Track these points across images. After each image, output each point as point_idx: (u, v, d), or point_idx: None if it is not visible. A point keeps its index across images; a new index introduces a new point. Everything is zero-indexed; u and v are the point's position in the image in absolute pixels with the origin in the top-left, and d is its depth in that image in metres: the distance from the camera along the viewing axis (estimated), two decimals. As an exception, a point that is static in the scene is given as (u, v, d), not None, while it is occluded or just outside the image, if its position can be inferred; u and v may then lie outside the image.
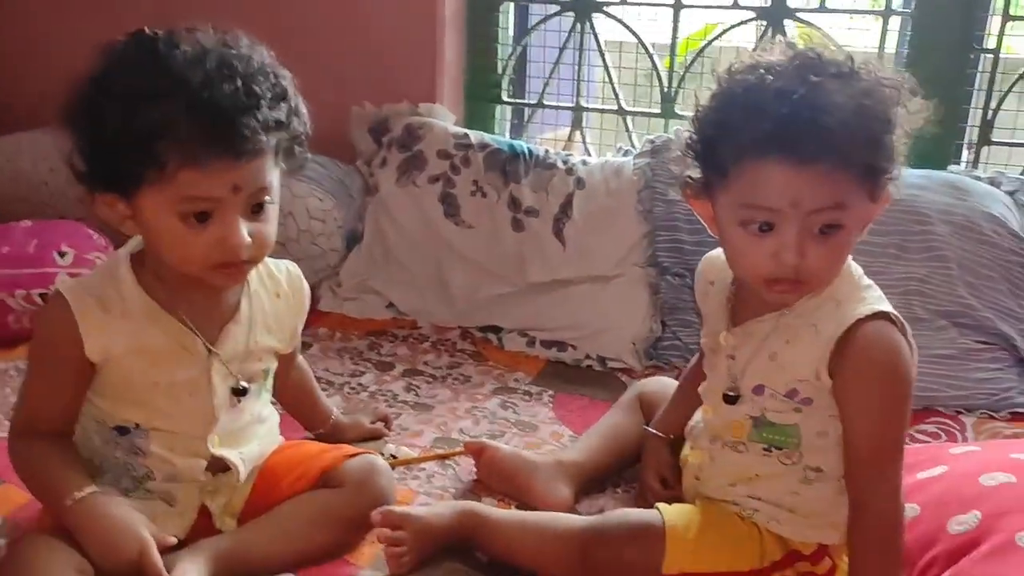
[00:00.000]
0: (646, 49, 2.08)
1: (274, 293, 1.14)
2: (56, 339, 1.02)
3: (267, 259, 1.12)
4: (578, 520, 1.12)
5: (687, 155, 1.02)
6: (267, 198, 1.00)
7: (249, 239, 0.97)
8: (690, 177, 1.03)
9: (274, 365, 1.16)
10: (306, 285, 1.19)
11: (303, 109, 1.03)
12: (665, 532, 1.05)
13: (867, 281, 1.05)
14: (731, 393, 1.08)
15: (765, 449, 1.07)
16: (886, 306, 1.01)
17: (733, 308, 1.11)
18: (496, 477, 1.29)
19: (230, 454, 1.09)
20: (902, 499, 0.99)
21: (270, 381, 1.16)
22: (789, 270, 0.96)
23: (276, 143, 0.99)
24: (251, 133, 0.93)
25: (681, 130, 1.04)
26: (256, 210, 0.99)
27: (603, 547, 1.06)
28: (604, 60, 2.13)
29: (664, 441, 1.28)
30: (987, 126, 1.88)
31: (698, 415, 1.17)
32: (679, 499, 1.16)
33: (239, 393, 1.08)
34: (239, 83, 0.92)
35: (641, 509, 1.14)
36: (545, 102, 2.22)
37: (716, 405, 1.11)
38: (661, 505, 1.11)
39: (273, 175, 1.00)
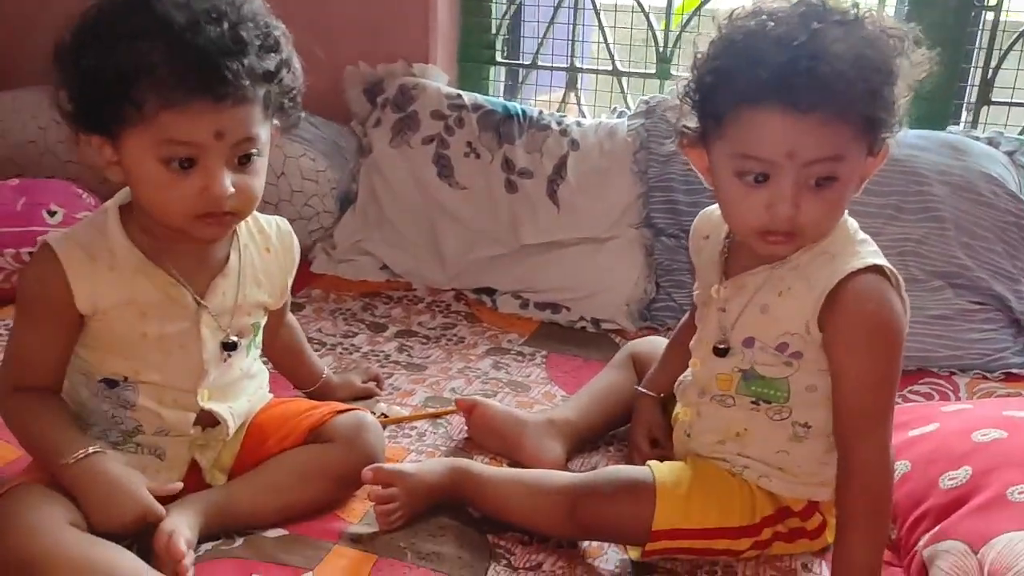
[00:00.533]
0: (642, 9, 2.05)
1: (264, 248, 1.13)
2: (45, 291, 1.01)
3: (258, 214, 1.11)
4: (568, 477, 1.12)
5: (684, 103, 1.00)
6: (254, 150, 0.98)
7: (232, 189, 0.95)
8: (686, 126, 1.01)
9: (263, 320, 1.15)
10: (296, 240, 1.18)
11: (296, 64, 1.01)
12: (656, 488, 1.05)
13: (863, 236, 1.04)
14: (721, 346, 1.07)
15: (753, 403, 1.07)
16: (880, 260, 1.00)
17: (726, 261, 1.10)
18: (487, 434, 1.29)
19: (219, 408, 1.09)
20: (891, 454, 0.98)
21: (259, 337, 1.15)
22: (783, 222, 0.95)
23: (265, 95, 0.97)
24: (234, 77, 0.91)
25: (678, 81, 1.02)
26: (243, 161, 0.97)
27: (593, 503, 1.06)
28: (599, 20, 2.10)
29: (654, 400, 1.27)
30: (987, 86, 1.86)
31: (688, 370, 1.17)
32: (668, 458, 1.16)
33: (228, 348, 1.08)
34: (225, 27, 0.91)
35: (632, 466, 1.13)
36: (539, 63, 2.19)
37: (705, 357, 1.11)
38: (652, 462, 1.10)
39: (262, 128, 0.98)
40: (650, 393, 1.28)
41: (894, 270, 1.00)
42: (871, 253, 1.01)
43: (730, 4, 1.92)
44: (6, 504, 0.97)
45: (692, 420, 1.13)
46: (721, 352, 1.07)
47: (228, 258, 1.08)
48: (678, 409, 1.18)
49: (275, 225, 1.15)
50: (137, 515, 0.97)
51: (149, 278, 1.03)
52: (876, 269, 0.99)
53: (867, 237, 1.04)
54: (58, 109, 0.96)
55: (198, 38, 0.90)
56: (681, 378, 1.17)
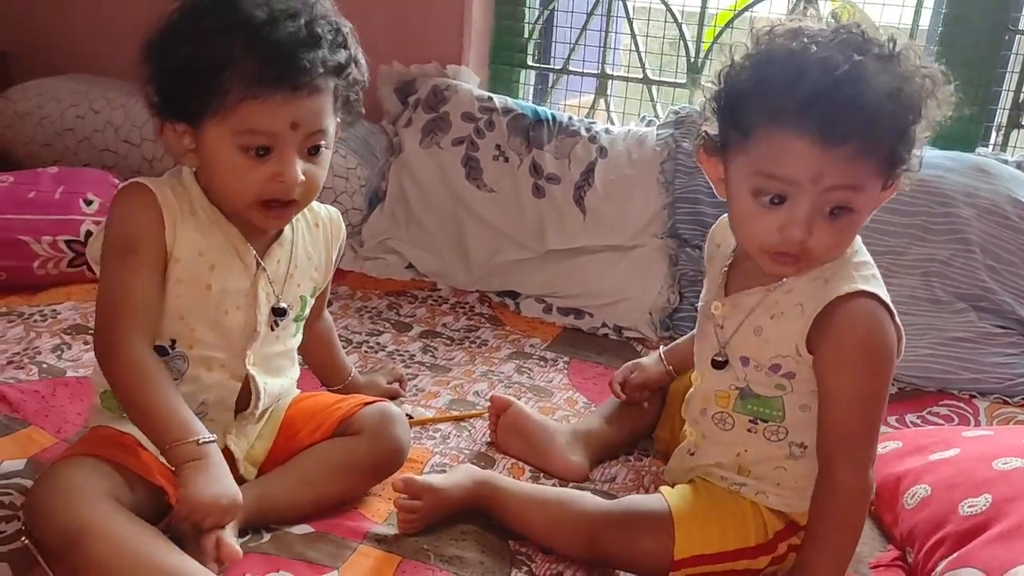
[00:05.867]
0: (675, 17, 2.06)
1: (313, 223, 1.19)
2: (142, 223, 1.03)
3: None
4: (589, 504, 1.11)
5: (708, 108, 1.00)
6: (323, 142, 1.04)
7: (303, 177, 1.02)
8: (707, 132, 1.01)
9: (311, 299, 1.19)
10: (343, 224, 1.24)
11: (362, 59, 1.08)
12: (673, 518, 1.06)
13: (863, 258, 1.04)
14: (719, 359, 1.09)
15: (751, 422, 1.08)
16: (873, 286, 1.00)
17: (728, 277, 1.11)
18: (515, 436, 1.30)
19: (260, 377, 1.12)
20: (870, 479, 0.99)
21: (306, 312, 1.19)
22: (794, 245, 0.95)
23: (335, 88, 1.04)
24: (310, 66, 0.98)
25: (706, 87, 1.03)
26: (312, 152, 1.04)
27: (612, 536, 1.07)
28: (631, 27, 2.11)
29: (664, 370, 1.32)
30: (1017, 109, 1.86)
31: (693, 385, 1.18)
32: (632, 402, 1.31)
33: (278, 313, 1.12)
34: (302, 22, 0.99)
35: (647, 497, 1.14)
36: (570, 68, 2.21)
37: (704, 371, 1.13)
38: (664, 490, 1.12)
39: (330, 121, 1.05)
40: (666, 365, 1.33)
41: (886, 298, 1.00)
42: (865, 278, 1.01)
43: (762, 15, 1.95)
44: (59, 473, 0.98)
45: (697, 442, 1.15)
46: (718, 365, 1.09)
47: (282, 229, 1.13)
48: (687, 428, 1.20)
49: (324, 208, 1.22)
50: (230, 502, 0.97)
51: (221, 229, 1.08)
52: (867, 294, 0.99)
53: (868, 260, 1.04)
54: (146, 101, 1.03)
55: (277, 32, 0.97)
56: (689, 394, 1.18)
